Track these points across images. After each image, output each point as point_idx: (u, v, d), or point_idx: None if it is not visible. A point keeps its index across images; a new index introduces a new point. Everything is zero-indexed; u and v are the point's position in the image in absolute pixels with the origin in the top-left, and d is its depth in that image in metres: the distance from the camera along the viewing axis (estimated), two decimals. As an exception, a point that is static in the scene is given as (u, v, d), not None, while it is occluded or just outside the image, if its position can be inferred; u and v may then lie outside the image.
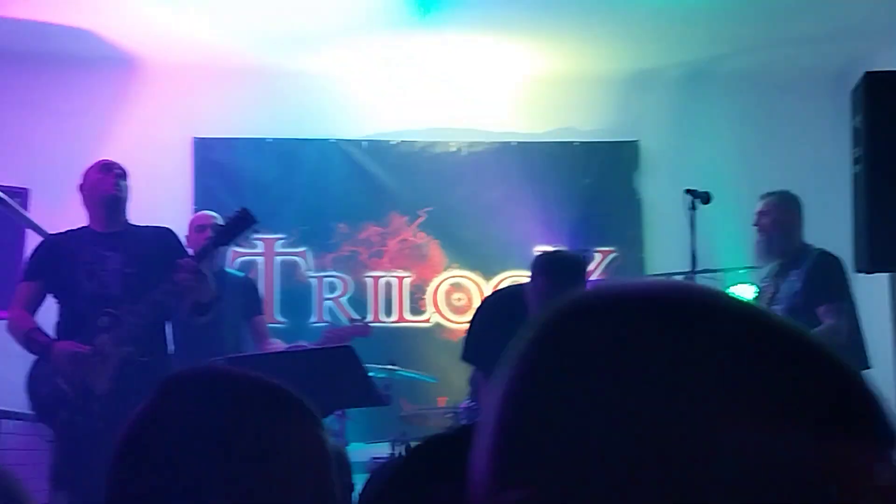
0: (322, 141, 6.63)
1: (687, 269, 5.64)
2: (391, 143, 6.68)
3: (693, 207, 3.85)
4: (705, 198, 3.86)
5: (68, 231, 4.15)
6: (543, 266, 3.65)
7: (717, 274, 5.55)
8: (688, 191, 3.92)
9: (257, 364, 3.56)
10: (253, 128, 6.57)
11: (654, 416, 0.51)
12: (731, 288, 5.63)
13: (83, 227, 4.14)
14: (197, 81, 6.54)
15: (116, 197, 4.06)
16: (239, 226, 3.95)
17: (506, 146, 6.65)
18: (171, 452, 0.95)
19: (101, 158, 4.37)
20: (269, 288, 6.28)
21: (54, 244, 4.10)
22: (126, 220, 4.12)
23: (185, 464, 0.94)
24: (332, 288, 6.50)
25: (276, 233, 6.48)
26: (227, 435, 0.95)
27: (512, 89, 6.72)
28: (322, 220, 6.55)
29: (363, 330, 4.66)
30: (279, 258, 6.52)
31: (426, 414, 4.97)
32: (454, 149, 6.66)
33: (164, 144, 6.40)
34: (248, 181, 6.50)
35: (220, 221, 4.59)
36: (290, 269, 6.52)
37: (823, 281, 4.17)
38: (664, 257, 6.38)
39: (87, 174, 4.18)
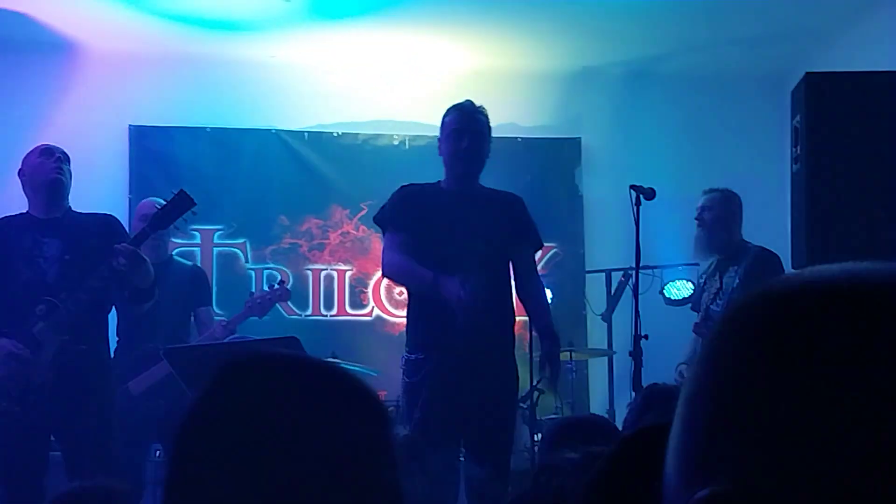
0: (262, 131, 6.55)
1: (627, 266, 5.71)
2: (333, 134, 6.63)
3: (638, 203, 3.87)
4: (650, 194, 3.89)
5: (6, 217, 4.04)
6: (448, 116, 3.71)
7: (657, 270, 5.61)
8: (632, 187, 3.94)
9: (200, 355, 3.50)
10: (191, 116, 6.47)
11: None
12: (670, 284, 5.71)
13: (22, 214, 4.03)
14: (134, 69, 6.42)
15: (57, 181, 3.96)
16: (177, 208, 3.88)
17: (448, 140, 6.64)
18: (233, 443, 0.90)
19: (37, 144, 4.26)
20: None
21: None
22: (67, 206, 4.03)
23: (247, 456, 0.89)
24: (272, 280, 6.42)
25: (214, 224, 6.38)
26: (292, 430, 0.90)
27: (455, 84, 6.70)
28: (262, 211, 6.48)
29: (284, 294, 4.64)
30: (217, 249, 6.43)
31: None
32: (397, 142, 6.63)
33: (100, 132, 6.27)
34: (186, 170, 6.40)
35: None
36: (228, 261, 6.44)
37: (761, 278, 4.25)
38: (605, 253, 6.43)
39: (27, 159, 4.07)
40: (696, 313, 4.90)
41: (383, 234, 3.87)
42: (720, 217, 4.65)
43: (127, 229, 4.56)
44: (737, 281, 4.39)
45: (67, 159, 4.06)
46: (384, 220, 3.84)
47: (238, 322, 4.57)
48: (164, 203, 3.97)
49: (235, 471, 0.91)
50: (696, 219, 4.74)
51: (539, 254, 6.48)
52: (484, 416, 3.60)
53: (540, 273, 6.34)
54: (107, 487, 2.29)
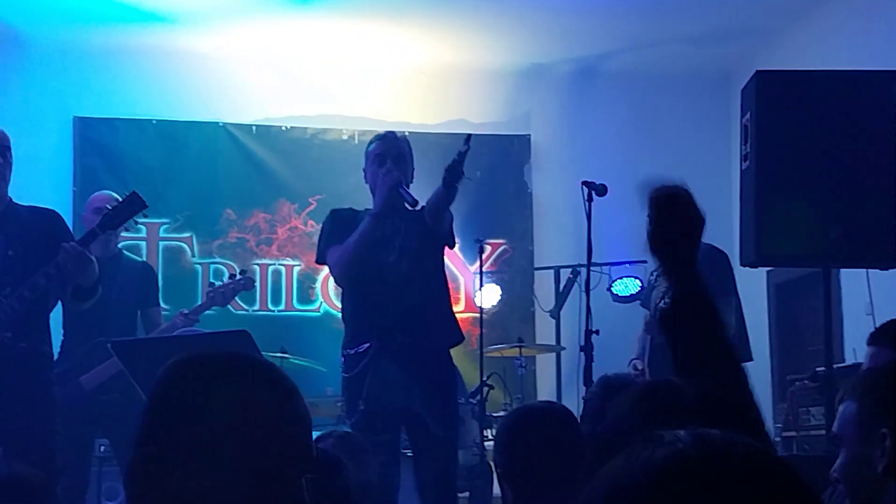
0: (209, 124, 6.47)
1: (575, 263, 5.74)
2: (282, 128, 6.57)
3: (589, 199, 3.89)
4: (601, 190, 3.91)
5: None
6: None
7: (605, 267, 5.65)
8: (584, 183, 3.95)
9: (153, 349, 3.44)
10: (136, 108, 6.37)
11: None
12: (618, 281, 5.75)
13: None
14: (78, 59, 6.31)
15: (8, 182, 3.82)
16: (128, 210, 3.84)
17: (398, 136, 6.62)
18: (184, 433, 1.06)
19: None
20: (153, 274, 6.10)
21: None
22: (8, 199, 3.93)
23: (194, 444, 1.05)
24: (219, 275, 6.35)
25: (160, 217, 6.29)
26: (223, 410, 1.07)
27: (405, 79, 6.70)
28: (208, 205, 6.40)
29: (247, 284, 4.60)
30: (163, 243, 6.35)
31: (316, 403, 4.92)
32: (345, 136, 6.60)
33: (43, 123, 6.16)
34: (131, 163, 6.31)
35: (117, 198, 4.49)
36: (174, 255, 6.36)
37: (711, 275, 4.28)
38: (553, 250, 6.47)
39: None
40: (644, 310, 4.94)
41: (326, 260, 4.00)
42: None
43: (71, 223, 4.48)
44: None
45: (6, 147, 3.92)
46: (322, 247, 4.01)
47: (200, 312, 4.52)
48: (116, 203, 3.90)
49: (187, 456, 1.05)
50: (648, 216, 4.73)
51: (488, 250, 6.52)
52: (425, 402, 3.70)
53: (488, 270, 6.39)
54: (22, 475, 2.27)
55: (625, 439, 0.73)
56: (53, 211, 4.00)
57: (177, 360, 1.14)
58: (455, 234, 6.09)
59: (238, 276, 4.59)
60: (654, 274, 4.87)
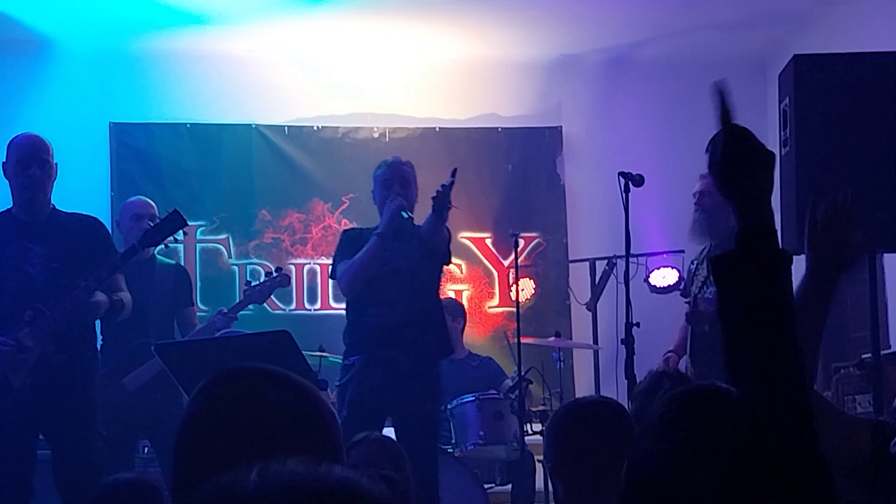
0: (242, 126, 6.50)
1: (611, 254, 5.70)
2: (314, 128, 6.59)
3: (626, 190, 3.85)
4: (638, 181, 3.87)
5: None
6: None
7: (641, 258, 5.60)
8: (621, 174, 3.92)
9: (195, 350, 3.47)
10: (171, 112, 6.41)
11: None
12: (655, 271, 5.71)
13: (6, 212, 3.97)
14: (112, 65, 6.36)
15: (35, 197, 3.90)
16: (168, 228, 3.97)
17: (429, 132, 6.61)
18: (223, 446, 1.07)
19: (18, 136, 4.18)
20: (191, 276, 6.12)
21: None
22: (51, 208, 3.98)
23: (234, 455, 1.02)
24: (255, 275, 6.38)
25: (196, 220, 6.33)
26: (258, 422, 1.08)
27: (434, 75, 6.68)
28: (243, 206, 6.44)
29: (283, 280, 4.66)
30: (200, 245, 6.39)
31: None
32: (377, 135, 6.60)
33: (80, 130, 6.20)
34: (167, 166, 6.36)
35: (154, 210, 4.59)
36: (211, 257, 6.39)
37: None
38: (587, 242, 6.43)
39: (9, 153, 3.99)
40: (684, 300, 4.89)
41: (336, 275, 4.38)
42: (722, 202, 4.58)
43: (110, 228, 4.52)
44: None
45: (45, 164, 3.93)
46: (335, 264, 4.39)
47: (238, 310, 4.57)
48: (158, 220, 4.09)
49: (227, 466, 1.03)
50: (694, 203, 4.64)
51: (522, 244, 6.49)
52: (409, 413, 4.07)
53: (523, 263, 6.36)
54: (143, 481, 2.35)
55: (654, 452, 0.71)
56: (95, 219, 4.06)
57: (210, 382, 1.16)
58: (489, 227, 6.47)
59: (275, 274, 4.63)
60: (695, 262, 4.81)
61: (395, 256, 4.20)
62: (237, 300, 6.25)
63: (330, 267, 4.50)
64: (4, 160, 4.00)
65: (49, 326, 3.67)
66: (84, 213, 4.14)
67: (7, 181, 4.00)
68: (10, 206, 3.99)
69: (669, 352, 4.79)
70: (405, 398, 4.05)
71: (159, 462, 4.43)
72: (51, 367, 3.72)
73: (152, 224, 4.05)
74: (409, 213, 4.15)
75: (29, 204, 3.90)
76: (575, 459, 1.85)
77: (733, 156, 1.43)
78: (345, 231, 4.57)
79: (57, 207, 4.01)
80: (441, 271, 4.39)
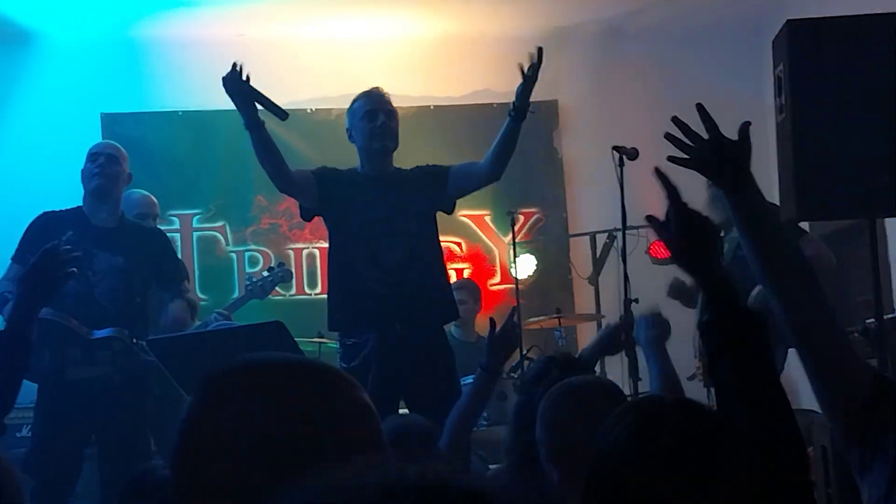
0: (234, 112, 6.40)
1: (611, 227, 5.66)
2: (307, 111, 6.53)
3: (621, 164, 3.80)
4: (633, 154, 3.82)
5: (58, 213, 4.05)
6: None
7: (642, 230, 5.56)
8: (615, 148, 3.87)
9: (186, 344, 3.44)
10: (162, 101, 6.36)
11: None
12: (653, 244, 5.66)
13: (76, 211, 4.06)
14: (101, 56, 6.31)
15: (98, 187, 3.99)
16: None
17: (423, 110, 6.56)
18: (231, 445, 0.97)
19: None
20: (189, 264, 6.09)
21: (48, 225, 3.99)
22: (121, 214, 4.09)
23: (245, 455, 0.96)
24: (254, 262, 6.36)
25: (192, 208, 6.30)
26: (273, 418, 0.97)
27: (426, 52, 6.62)
28: (239, 193, 6.40)
29: (286, 276, 4.65)
30: (197, 233, 6.35)
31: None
32: (371, 115, 6.53)
33: (71, 122, 6.16)
34: (161, 156, 6.32)
35: (156, 207, 4.61)
36: (208, 245, 6.36)
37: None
38: (588, 215, 6.38)
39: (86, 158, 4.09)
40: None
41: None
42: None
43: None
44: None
45: (115, 160, 4.04)
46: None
47: (237, 307, 4.56)
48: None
49: (234, 469, 0.96)
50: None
51: (522, 220, 6.45)
52: (426, 392, 3.66)
53: (522, 240, 6.33)
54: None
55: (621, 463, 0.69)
56: (161, 233, 4.19)
57: (211, 378, 1.04)
58: (487, 204, 6.00)
59: (276, 269, 4.63)
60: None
61: (390, 213, 3.75)
62: (236, 288, 6.28)
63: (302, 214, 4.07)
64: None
65: (128, 362, 3.75)
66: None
67: (83, 186, 4.09)
68: (79, 206, 4.08)
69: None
70: (420, 378, 3.66)
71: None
72: (110, 385, 3.81)
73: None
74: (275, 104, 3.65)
75: (94, 208, 3.98)
76: (571, 442, 1.81)
77: (685, 239, 1.73)
78: (321, 171, 4.06)
79: (126, 217, 4.13)
80: (436, 226, 3.90)
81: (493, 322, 3.02)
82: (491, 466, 4.81)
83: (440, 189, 3.83)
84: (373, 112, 3.79)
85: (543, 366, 2.41)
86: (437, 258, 3.85)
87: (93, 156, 4.05)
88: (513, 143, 3.81)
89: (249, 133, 3.76)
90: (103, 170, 3.97)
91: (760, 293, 4.12)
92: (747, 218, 1.81)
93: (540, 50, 3.70)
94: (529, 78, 3.68)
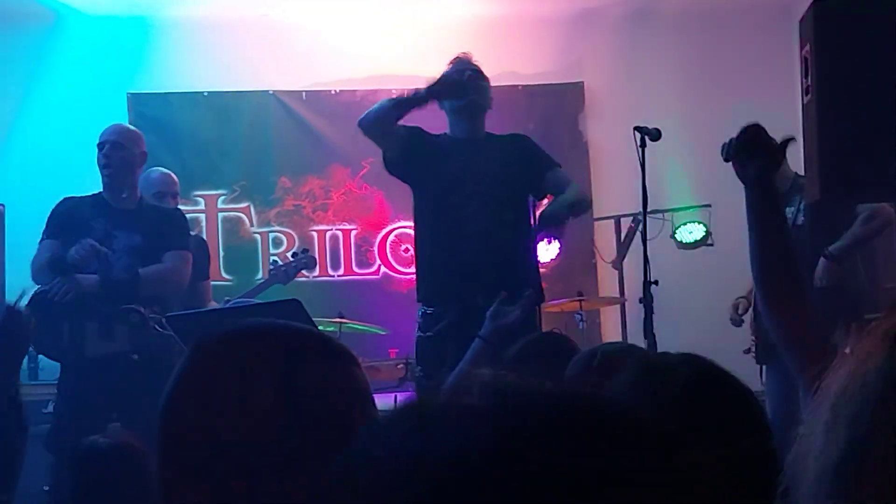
0: (259, 93, 6.45)
1: (636, 211, 5.61)
2: (331, 92, 6.52)
3: (643, 145, 3.76)
4: (655, 135, 3.76)
5: (79, 199, 4.10)
6: None
7: (667, 213, 5.52)
8: (636, 128, 3.82)
9: (204, 321, 3.46)
10: (187, 81, 6.37)
11: None
12: (681, 227, 5.62)
13: (96, 196, 4.10)
14: (127, 35, 6.32)
15: (111, 174, 4.04)
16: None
17: (449, 92, 6.52)
18: (213, 411, 0.95)
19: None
20: (214, 245, 6.12)
21: (70, 208, 4.06)
22: (139, 196, 4.13)
23: (225, 421, 0.94)
24: (278, 243, 6.37)
25: (217, 189, 6.32)
26: (264, 387, 0.94)
27: (451, 34, 6.57)
28: (263, 174, 6.41)
29: (310, 262, 4.66)
30: (222, 214, 6.37)
31: (378, 366, 4.91)
32: (395, 96, 6.51)
33: (98, 101, 6.18)
34: (186, 136, 6.34)
35: (176, 185, 4.64)
36: (233, 226, 6.38)
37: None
38: (613, 199, 6.33)
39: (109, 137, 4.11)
40: (716, 255, 4.76)
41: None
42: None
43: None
44: (801, 217, 4.24)
45: (119, 146, 4.07)
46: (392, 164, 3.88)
47: (260, 291, 4.59)
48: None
49: (221, 441, 0.94)
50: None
51: (546, 202, 6.40)
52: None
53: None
54: (125, 444, 2.28)
55: None
56: (179, 213, 4.20)
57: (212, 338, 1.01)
58: None
59: (301, 255, 4.65)
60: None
61: (475, 177, 3.61)
62: (260, 269, 6.30)
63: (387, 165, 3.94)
64: (101, 141, 4.12)
65: (146, 339, 3.77)
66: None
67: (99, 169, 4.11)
68: (99, 191, 4.11)
69: (741, 297, 4.67)
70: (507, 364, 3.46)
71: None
72: (129, 363, 3.84)
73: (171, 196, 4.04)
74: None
75: (110, 192, 4.00)
76: None
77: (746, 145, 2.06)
78: (410, 129, 3.83)
79: (144, 198, 4.17)
80: (528, 203, 3.76)
81: (505, 295, 2.98)
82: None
83: (533, 172, 3.77)
84: (461, 71, 3.77)
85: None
86: (524, 233, 3.69)
87: (99, 144, 4.08)
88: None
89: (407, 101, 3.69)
90: (109, 160, 4.01)
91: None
92: (757, 218, 1.99)
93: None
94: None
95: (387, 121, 3.68)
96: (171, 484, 0.95)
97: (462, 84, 3.62)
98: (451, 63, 3.85)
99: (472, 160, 3.63)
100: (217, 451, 0.93)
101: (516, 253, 3.60)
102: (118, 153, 4.03)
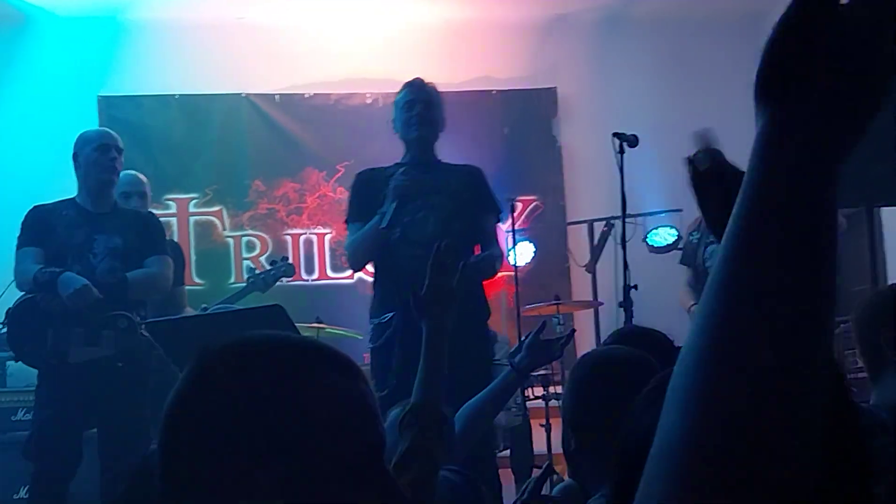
0: (232, 96, 6.43)
1: (609, 215, 5.64)
2: (304, 96, 6.51)
3: (621, 151, 3.79)
4: (633, 141, 3.80)
5: (53, 205, 4.07)
6: None
7: (639, 218, 5.55)
8: (615, 134, 3.85)
9: (185, 327, 3.44)
10: (159, 84, 6.34)
11: None
12: (653, 232, 5.66)
13: (70, 202, 4.07)
14: (99, 37, 6.28)
15: (110, 182, 4.04)
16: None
17: (422, 96, 6.53)
18: (217, 424, 0.94)
19: (93, 130, 4.34)
20: (185, 249, 6.08)
21: (45, 215, 4.03)
22: (114, 201, 4.11)
23: (232, 436, 0.93)
24: (251, 247, 6.35)
25: (189, 192, 6.29)
26: (269, 400, 0.93)
27: (426, 39, 6.60)
28: (236, 177, 6.38)
29: (288, 270, 4.65)
30: (193, 218, 6.34)
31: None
32: (370, 101, 6.52)
33: (68, 104, 6.13)
34: (157, 139, 6.30)
35: (145, 186, 4.61)
36: (205, 230, 6.34)
37: None
38: (586, 203, 6.37)
39: (83, 147, 4.08)
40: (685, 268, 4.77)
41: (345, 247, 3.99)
42: None
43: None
44: None
45: (122, 152, 4.11)
46: (347, 220, 3.95)
47: (238, 299, 4.57)
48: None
49: (225, 453, 0.93)
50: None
51: (520, 207, 6.44)
52: (457, 374, 3.52)
53: (520, 227, 6.31)
54: None
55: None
56: (151, 216, 4.18)
57: (216, 350, 0.98)
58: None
59: (280, 263, 4.66)
60: (695, 233, 4.65)
61: (426, 191, 3.70)
62: (233, 273, 6.28)
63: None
64: (75, 152, 4.09)
65: (132, 345, 3.74)
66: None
67: (76, 171, 4.08)
68: (74, 196, 4.09)
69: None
70: (452, 363, 3.44)
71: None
72: (112, 369, 3.80)
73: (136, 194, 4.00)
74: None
75: (95, 198, 3.98)
76: (596, 413, 1.76)
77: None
78: (359, 175, 3.96)
79: (117, 203, 4.15)
80: (480, 219, 3.81)
81: (543, 324, 2.90)
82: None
83: (478, 205, 3.81)
84: (411, 102, 3.82)
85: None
86: (471, 241, 3.74)
87: (104, 147, 4.05)
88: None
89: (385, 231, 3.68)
90: (114, 164, 4.03)
91: None
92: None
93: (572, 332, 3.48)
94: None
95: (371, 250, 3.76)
96: (173, 498, 0.95)
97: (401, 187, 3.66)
98: (403, 87, 3.92)
99: (420, 180, 3.70)
100: (221, 465, 0.92)
101: (463, 259, 3.64)
102: (120, 158, 4.07)
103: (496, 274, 3.87)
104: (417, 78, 3.96)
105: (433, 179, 3.71)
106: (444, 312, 2.15)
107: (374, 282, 3.85)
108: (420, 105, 3.79)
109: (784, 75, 0.62)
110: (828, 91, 0.61)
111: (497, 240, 3.90)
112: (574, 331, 3.25)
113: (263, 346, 0.99)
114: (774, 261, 0.58)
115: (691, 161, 1.40)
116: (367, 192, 3.79)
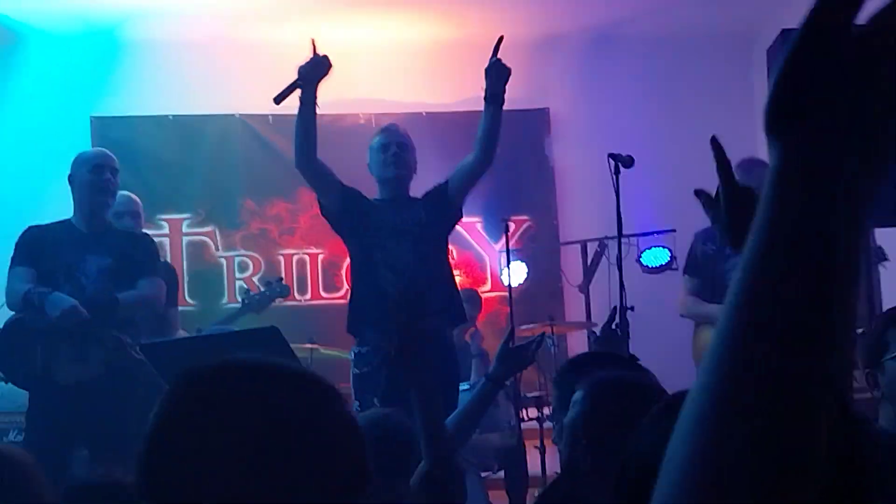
0: (225, 116, 6.43)
1: (602, 235, 5.65)
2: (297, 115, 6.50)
3: (616, 172, 3.80)
4: (628, 162, 3.82)
5: (48, 226, 4.08)
6: None
7: (632, 238, 5.56)
8: (611, 155, 3.87)
9: (181, 349, 3.42)
10: (153, 104, 6.34)
11: None
12: (646, 252, 5.66)
13: (65, 223, 4.07)
14: (92, 57, 6.28)
15: (104, 204, 4.04)
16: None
17: (415, 117, 6.55)
18: (198, 447, 0.94)
19: (88, 151, 4.35)
20: (178, 269, 6.07)
21: (39, 235, 4.04)
22: (108, 222, 4.11)
23: (215, 460, 0.93)
24: (244, 267, 6.33)
25: (181, 212, 6.28)
26: (253, 425, 0.93)
27: (419, 59, 6.62)
28: (229, 197, 6.38)
29: (283, 291, 4.66)
30: (186, 238, 6.32)
31: (349, 391, 4.88)
32: (363, 121, 6.53)
33: (61, 125, 6.13)
34: (150, 160, 6.30)
35: (138, 206, 4.61)
36: (198, 250, 6.33)
37: None
38: (579, 223, 6.38)
39: (79, 169, 4.07)
40: (680, 279, 4.73)
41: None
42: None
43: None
44: None
45: (118, 173, 4.13)
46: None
47: (233, 320, 4.56)
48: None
49: (202, 476, 0.93)
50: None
51: (512, 227, 6.45)
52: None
53: (514, 247, 6.31)
54: (118, 482, 2.25)
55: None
56: (146, 237, 4.17)
57: (188, 374, 0.99)
58: (478, 212, 6.09)
59: (274, 284, 4.67)
60: (709, 243, 4.45)
61: (398, 222, 3.97)
62: (226, 294, 6.26)
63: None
64: (72, 174, 4.09)
65: (121, 364, 3.73)
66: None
67: (72, 191, 4.09)
68: (69, 217, 4.09)
69: None
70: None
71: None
72: (101, 390, 3.79)
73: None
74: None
75: (89, 219, 3.97)
76: (602, 437, 1.76)
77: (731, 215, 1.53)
78: (347, 191, 4.14)
79: (112, 224, 4.14)
80: (450, 229, 4.14)
81: (511, 333, 2.98)
82: (483, 474, 4.80)
83: (443, 197, 4.04)
84: (386, 145, 4.10)
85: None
86: (442, 263, 4.06)
87: (99, 168, 4.05)
88: (495, 127, 4.14)
89: (305, 108, 4.19)
90: (108, 185, 4.02)
91: None
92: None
93: (500, 38, 4.08)
94: (494, 63, 4.05)
95: (307, 148, 4.14)
96: None
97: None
98: (378, 133, 4.26)
99: (395, 213, 4.00)
100: (201, 488, 0.92)
101: (430, 281, 3.85)
102: (117, 179, 4.07)
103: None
104: (392, 123, 4.34)
105: (406, 213, 3.99)
106: (421, 365, 2.27)
107: (352, 304, 4.11)
108: (395, 147, 4.07)
109: (795, 108, 0.60)
110: (843, 124, 0.59)
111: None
112: (544, 334, 3.39)
113: (241, 369, 0.99)
114: (786, 297, 0.57)
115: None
116: (353, 206, 4.06)
